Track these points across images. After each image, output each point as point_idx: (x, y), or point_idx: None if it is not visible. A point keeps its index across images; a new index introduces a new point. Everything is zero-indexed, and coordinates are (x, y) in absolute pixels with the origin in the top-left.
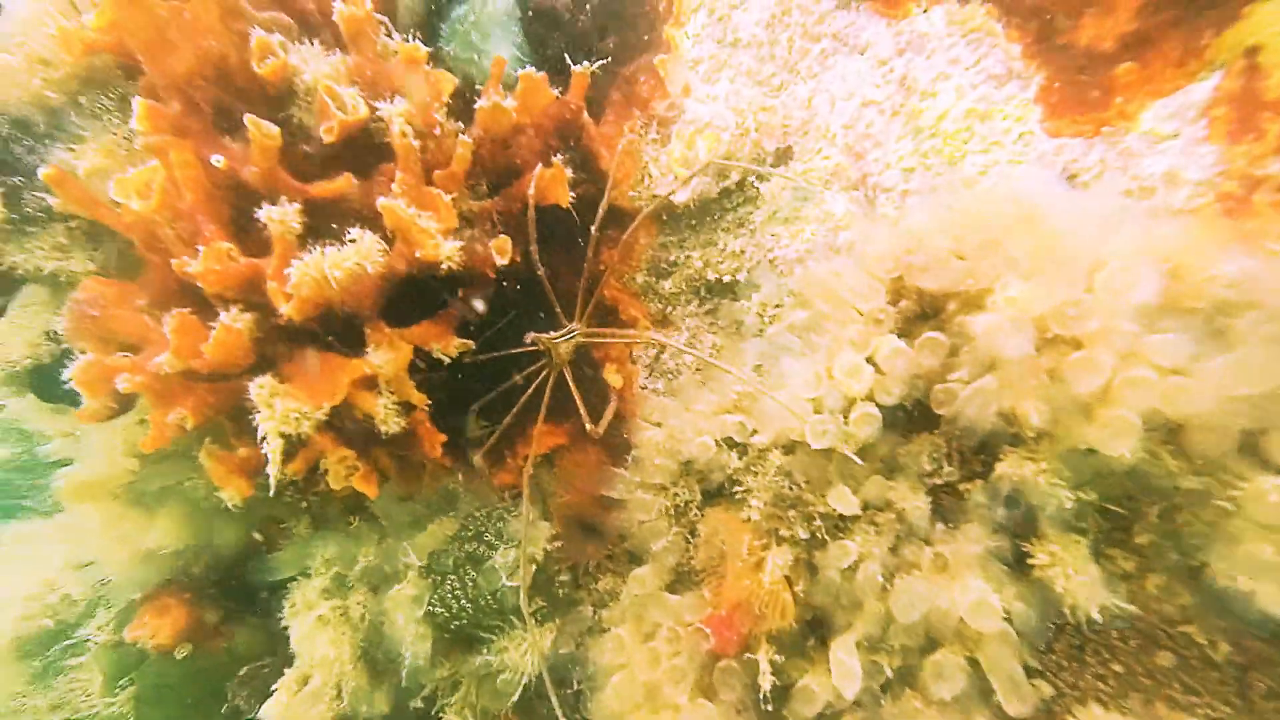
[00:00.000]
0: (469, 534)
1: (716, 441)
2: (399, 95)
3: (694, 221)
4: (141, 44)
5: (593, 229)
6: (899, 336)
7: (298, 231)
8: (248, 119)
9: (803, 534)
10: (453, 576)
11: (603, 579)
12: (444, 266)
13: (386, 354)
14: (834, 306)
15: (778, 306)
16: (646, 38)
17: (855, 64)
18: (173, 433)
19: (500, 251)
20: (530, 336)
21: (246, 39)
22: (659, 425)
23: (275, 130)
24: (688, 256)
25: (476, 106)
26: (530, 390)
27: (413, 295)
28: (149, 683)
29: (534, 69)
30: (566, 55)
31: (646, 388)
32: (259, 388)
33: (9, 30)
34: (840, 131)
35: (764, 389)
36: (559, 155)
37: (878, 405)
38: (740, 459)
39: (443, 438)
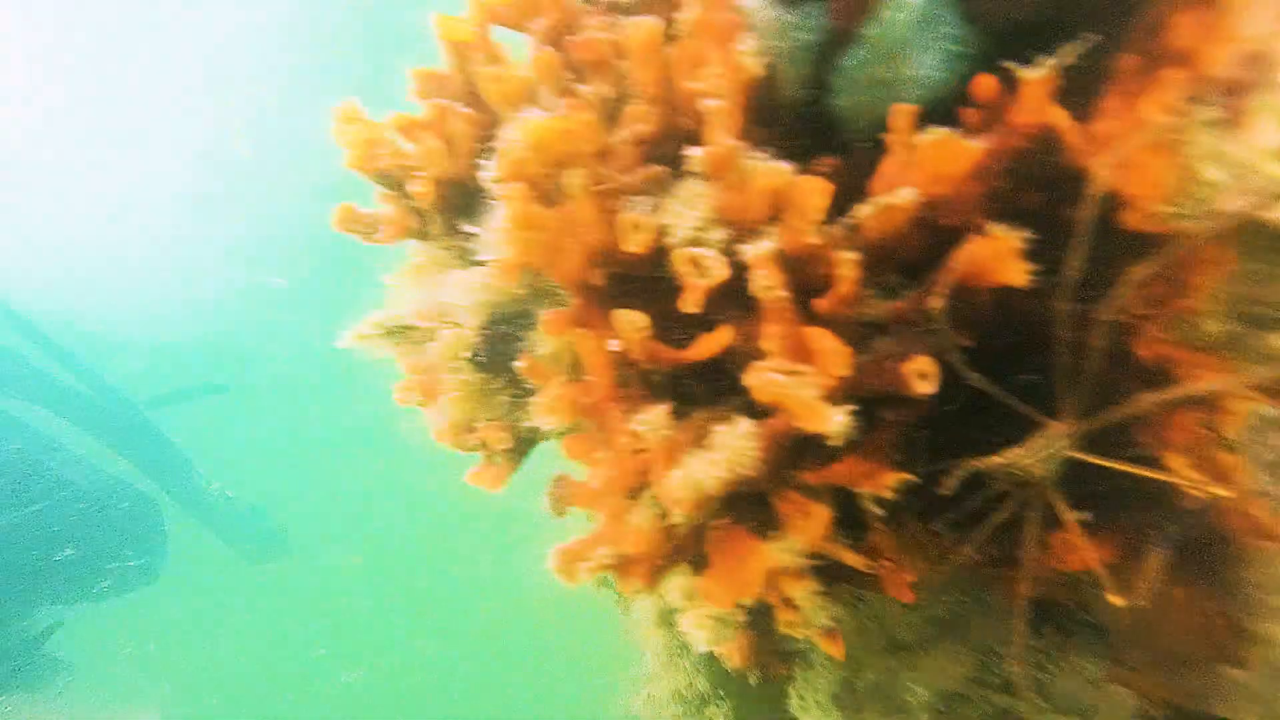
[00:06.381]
0: (994, 680)
1: None
2: (765, 231)
3: None
4: (539, 260)
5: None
6: None
7: (668, 435)
8: (615, 314)
9: None
10: None
11: None
12: (831, 442)
13: (797, 532)
14: None
15: None
16: None
17: None
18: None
19: (920, 375)
20: (969, 466)
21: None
22: None
23: (643, 320)
24: None
25: (852, 216)
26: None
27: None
28: None
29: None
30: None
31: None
32: (674, 589)
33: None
34: None
35: None
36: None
37: None
38: None
39: (911, 577)
